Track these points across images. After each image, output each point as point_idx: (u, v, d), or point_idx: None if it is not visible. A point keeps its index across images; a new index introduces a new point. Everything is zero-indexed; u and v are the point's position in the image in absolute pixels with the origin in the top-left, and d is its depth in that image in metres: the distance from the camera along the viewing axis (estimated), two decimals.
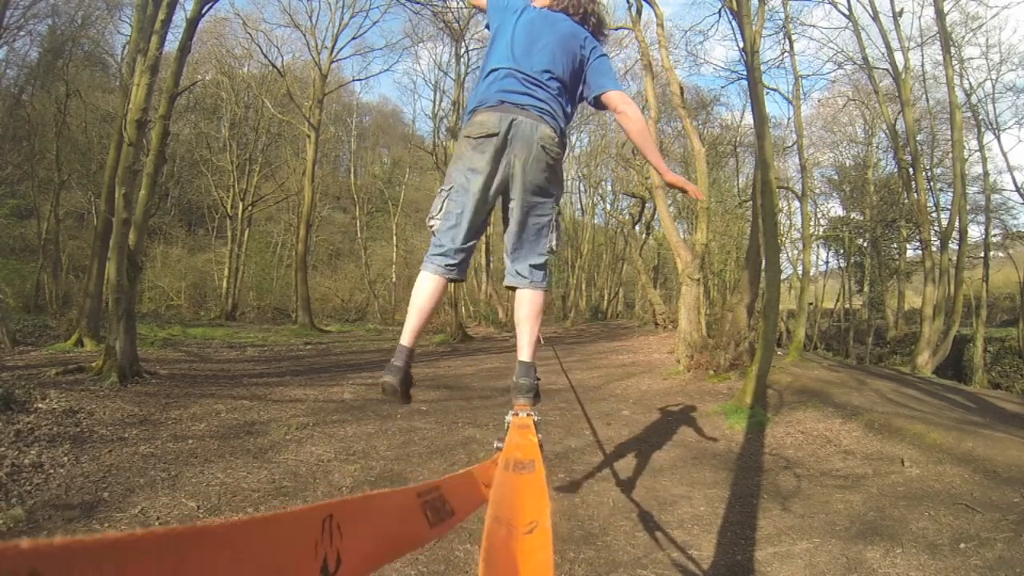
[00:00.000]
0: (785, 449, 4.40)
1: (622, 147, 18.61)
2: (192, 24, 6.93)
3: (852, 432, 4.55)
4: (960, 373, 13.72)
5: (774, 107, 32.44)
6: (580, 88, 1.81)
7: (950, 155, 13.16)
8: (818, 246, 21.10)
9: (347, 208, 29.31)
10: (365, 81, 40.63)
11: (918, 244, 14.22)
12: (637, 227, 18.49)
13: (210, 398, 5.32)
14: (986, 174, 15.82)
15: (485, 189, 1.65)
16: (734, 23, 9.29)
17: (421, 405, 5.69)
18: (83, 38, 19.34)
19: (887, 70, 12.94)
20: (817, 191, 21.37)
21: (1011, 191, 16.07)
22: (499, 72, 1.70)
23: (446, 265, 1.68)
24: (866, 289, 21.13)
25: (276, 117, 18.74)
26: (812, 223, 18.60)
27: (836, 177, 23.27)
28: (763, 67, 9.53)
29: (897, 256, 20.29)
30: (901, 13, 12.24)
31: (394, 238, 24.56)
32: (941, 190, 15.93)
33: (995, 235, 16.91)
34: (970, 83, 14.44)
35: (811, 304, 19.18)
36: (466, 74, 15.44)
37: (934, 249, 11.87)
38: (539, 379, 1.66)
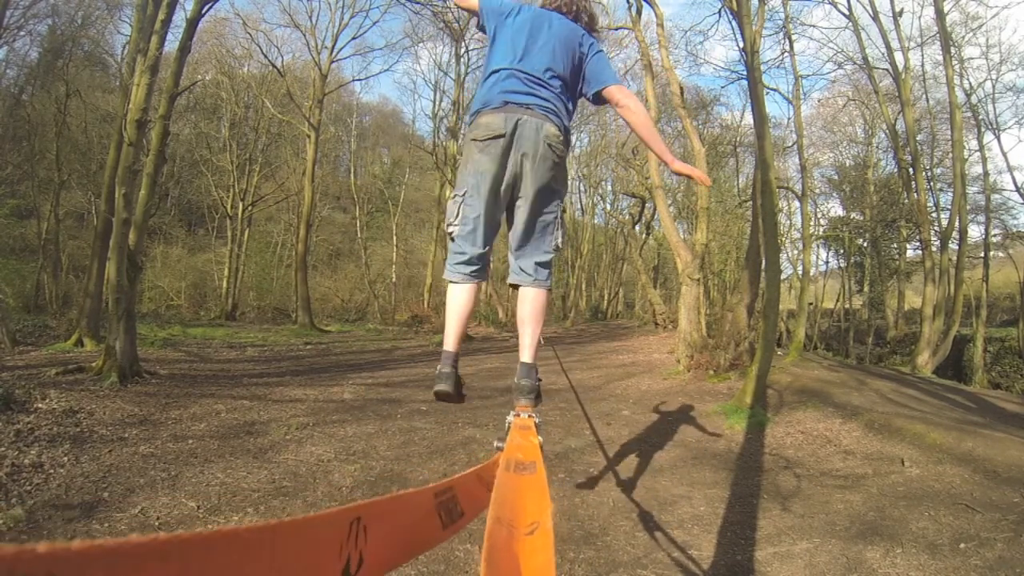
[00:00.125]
0: (785, 449, 4.40)
1: (622, 147, 18.60)
2: (192, 24, 6.93)
3: (852, 432, 4.55)
4: (960, 373, 13.72)
5: (774, 107, 32.45)
6: (580, 85, 1.83)
7: (950, 155, 13.17)
8: (818, 246, 21.12)
9: (347, 208, 29.30)
10: (365, 81, 40.68)
11: (918, 244, 14.23)
12: (637, 227, 18.48)
13: (210, 398, 5.32)
14: (986, 174, 15.83)
15: (496, 190, 1.68)
16: (734, 23, 9.29)
17: (421, 405, 5.68)
18: (83, 38, 19.34)
19: (887, 70, 12.94)
20: (817, 191, 21.39)
21: (1011, 191, 16.10)
22: (501, 73, 1.72)
23: (471, 272, 1.72)
24: (866, 289, 21.13)
25: (276, 117, 18.74)
26: (812, 223, 18.61)
27: (836, 177, 23.29)
28: (763, 67, 9.54)
29: (897, 256, 20.29)
30: (901, 13, 12.24)
31: (394, 238, 24.55)
32: (941, 190, 15.95)
33: (995, 235, 16.91)
34: (970, 83, 14.45)
35: (811, 304, 19.18)
36: (466, 74, 15.47)
37: (934, 249, 11.87)
38: (540, 380, 1.67)
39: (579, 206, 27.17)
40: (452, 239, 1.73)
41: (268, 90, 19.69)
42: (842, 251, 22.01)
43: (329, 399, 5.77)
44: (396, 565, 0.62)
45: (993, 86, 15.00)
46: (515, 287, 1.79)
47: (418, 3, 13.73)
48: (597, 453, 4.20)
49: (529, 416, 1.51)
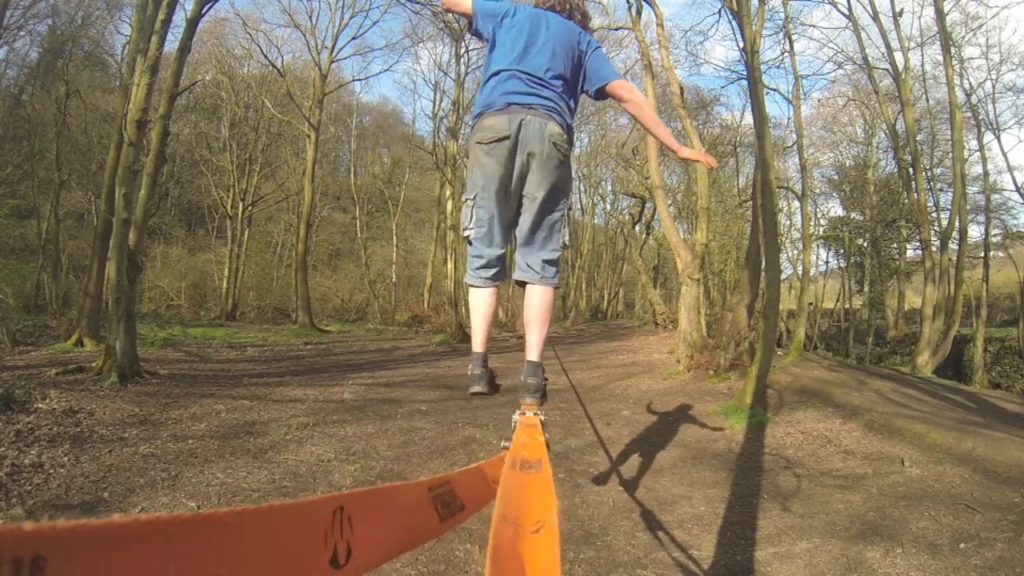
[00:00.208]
0: (785, 449, 4.40)
1: (622, 147, 18.62)
2: (192, 24, 6.93)
3: (852, 432, 4.55)
4: (960, 373, 13.71)
5: (774, 107, 32.46)
6: (581, 82, 1.84)
7: (950, 155, 13.16)
8: (818, 246, 21.11)
9: (347, 208, 29.30)
10: (365, 81, 40.64)
11: (918, 244, 14.22)
12: (637, 227, 18.49)
13: (210, 398, 5.32)
14: (986, 174, 15.82)
15: (505, 190, 1.70)
16: (734, 23, 9.29)
17: (421, 405, 5.69)
18: (83, 38, 19.33)
19: (887, 70, 12.93)
20: (817, 191, 21.38)
21: (1011, 191, 16.09)
22: (502, 75, 1.73)
23: (492, 276, 1.76)
24: (866, 289, 21.12)
25: (276, 117, 18.72)
26: (812, 223, 18.61)
27: (836, 177, 23.28)
28: (763, 67, 9.54)
29: (897, 256, 20.28)
30: (901, 13, 12.24)
31: (394, 238, 24.55)
32: (941, 190, 15.94)
33: (995, 235, 16.90)
34: (970, 83, 14.44)
35: (811, 304, 19.17)
36: (466, 74, 15.43)
37: (934, 249, 11.87)
38: (547, 379, 1.68)
39: (579, 206, 27.16)
40: (470, 243, 1.77)
41: (268, 90, 19.68)
42: (842, 251, 22.01)
43: (329, 399, 5.77)
44: (390, 557, 0.62)
45: (993, 86, 15.01)
46: (521, 285, 1.81)
47: (418, 3, 13.73)
48: (597, 453, 4.19)
49: (535, 414, 1.51)
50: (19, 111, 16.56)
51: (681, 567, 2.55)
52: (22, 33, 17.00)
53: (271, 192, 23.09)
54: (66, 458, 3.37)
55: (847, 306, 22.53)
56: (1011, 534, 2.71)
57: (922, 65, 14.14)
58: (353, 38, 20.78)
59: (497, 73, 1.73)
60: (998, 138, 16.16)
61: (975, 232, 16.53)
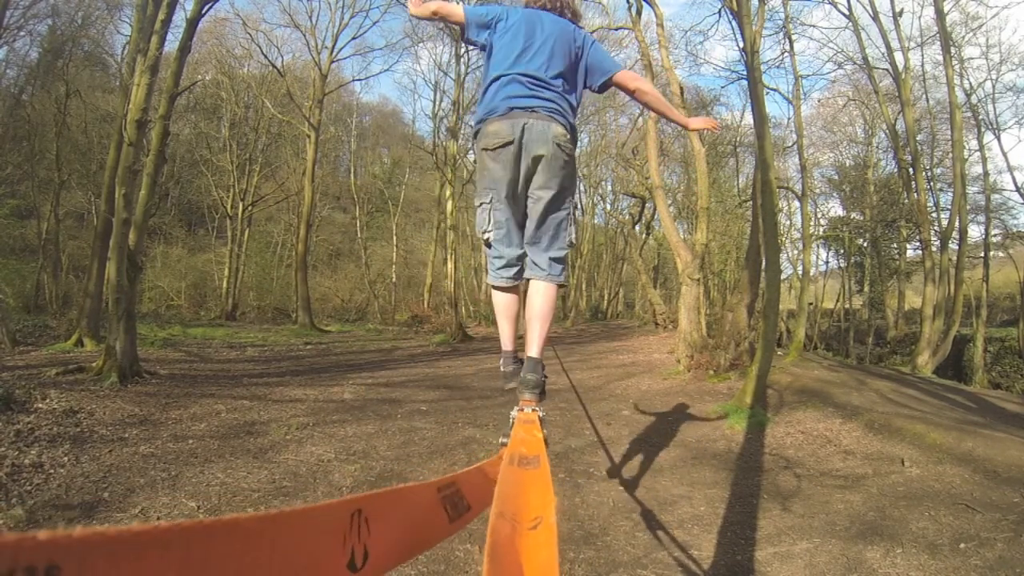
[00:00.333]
0: (785, 449, 4.40)
1: (622, 147, 18.60)
2: (192, 24, 6.93)
3: (852, 432, 4.55)
4: (960, 373, 13.71)
5: (774, 107, 32.45)
6: (582, 79, 1.86)
7: (950, 155, 13.16)
8: (818, 246, 21.10)
9: (347, 208, 29.31)
10: (365, 81, 40.69)
11: (918, 244, 14.22)
12: (637, 227, 18.47)
13: (210, 398, 5.32)
14: (986, 174, 15.82)
15: (513, 193, 1.74)
16: (734, 23, 9.29)
17: (421, 405, 5.69)
18: (83, 38, 19.33)
19: (887, 70, 12.93)
20: (817, 191, 21.37)
21: (1011, 191, 16.08)
22: (502, 79, 1.74)
23: (513, 275, 1.81)
24: (866, 289, 21.11)
25: (276, 117, 18.73)
26: (812, 223, 18.60)
27: (836, 177, 23.26)
28: (763, 67, 9.54)
29: (897, 256, 20.27)
30: (901, 13, 12.24)
31: (394, 238, 24.56)
32: (941, 190, 15.93)
33: (995, 235, 16.89)
34: (970, 83, 14.44)
35: (811, 304, 19.16)
36: (466, 74, 15.43)
37: (934, 249, 11.87)
38: (547, 377, 1.69)
39: (579, 206, 27.12)
40: (489, 245, 1.81)
41: (268, 90, 19.68)
42: (842, 251, 22.00)
43: (329, 399, 5.77)
44: (404, 559, 0.62)
45: (993, 86, 15.00)
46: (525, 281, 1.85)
47: None
48: (597, 453, 4.19)
49: (533, 411, 1.51)
50: (19, 111, 16.57)
51: (681, 567, 2.55)
52: (22, 33, 17.02)
53: (271, 192, 23.09)
54: (66, 458, 3.37)
55: (847, 306, 22.52)
56: (1011, 534, 2.71)
57: (922, 65, 14.16)
58: (353, 38, 20.83)
59: (497, 78, 1.75)
60: (998, 138, 16.17)
61: (975, 232, 16.55)
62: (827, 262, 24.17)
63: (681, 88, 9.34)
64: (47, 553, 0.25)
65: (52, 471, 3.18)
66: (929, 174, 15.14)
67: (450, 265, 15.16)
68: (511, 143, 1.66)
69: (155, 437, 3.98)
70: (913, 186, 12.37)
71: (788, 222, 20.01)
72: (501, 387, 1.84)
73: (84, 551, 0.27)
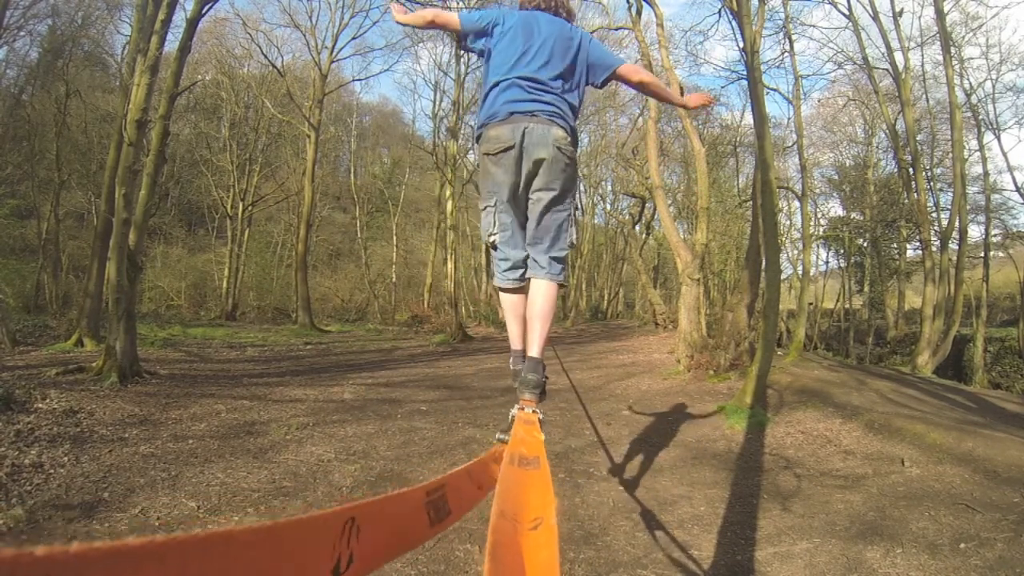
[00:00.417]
0: (785, 449, 4.40)
1: (622, 147, 18.60)
2: (192, 24, 6.93)
3: (852, 432, 4.55)
4: (960, 373, 13.71)
5: (774, 107, 32.44)
6: (584, 77, 1.86)
7: (950, 155, 13.16)
8: (818, 246, 21.10)
9: (347, 208, 29.30)
10: (365, 81, 40.71)
11: (918, 244, 14.22)
12: (637, 227, 18.48)
13: (210, 398, 5.32)
14: (986, 174, 15.82)
15: (515, 196, 1.77)
16: (734, 23, 9.29)
17: (421, 405, 5.69)
18: (83, 38, 19.33)
19: (887, 70, 12.93)
20: (817, 191, 21.36)
21: (1011, 191, 16.08)
22: (502, 84, 1.75)
23: (520, 276, 1.84)
24: (866, 289, 21.11)
25: (276, 117, 18.72)
26: (812, 223, 18.60)
27: (836, 177, 23.26)
28: (763, 67, 9.54)
29: (897, 256, 20.27)
30: (901, 13, 12.24)
31: (394, 238, 24.55)
32: (941, 190, 15.92)
33: (995, 235, 16.88)
34: (970, 83, 14.44)
35: (811, 304, 19.17)
36: (466, 74, 15.42)
37: (934, 249, 11.87)
38: (547, 377, 1.69)
39: (579, 206, 27.06)
40: (495, 247, 1.84)
41: (268, 90, 19.68)
42: (842, 251, 22.00)
43: (329, 399, 5.77)
44: (384, 562, 0.62)
45: (993, 86, 15.00)
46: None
47: (418, 3, 13.73)
48: (597, 453, 4.19)
49: (533, 411, 1.51)
50: (19, 111, 16.57)
51: (681, 567, 2.55)
52: (22, 33, 17.02)
53: (271, 192, 23.09)
54: (66, 458, 3.37)
55: (847, 306, 22.52)
56: (1011, 534, 2.71)
57: (922, 65, 14.16)
58: (353, 38, 20.87)
59: (497, 83, 1.76)
60: (998, 138, 16.18)
61: (975, 232, 16.55)
62: (827, 262, 24.20)
63: (681, 88, 9.31)
64: (43, 568, 0.25)
65: (52, 471, 3.18)
66: (929, 174, 15.14)
67: (450, 265, 15.15)
68: (512, 147, 1.68)
69: (155, 437, 3.98)
70: (913, 186, 12.37)
71: (788, 222, 20.02)
72: (511, 384, 1.86)
73: (80, 566, 0.27)
